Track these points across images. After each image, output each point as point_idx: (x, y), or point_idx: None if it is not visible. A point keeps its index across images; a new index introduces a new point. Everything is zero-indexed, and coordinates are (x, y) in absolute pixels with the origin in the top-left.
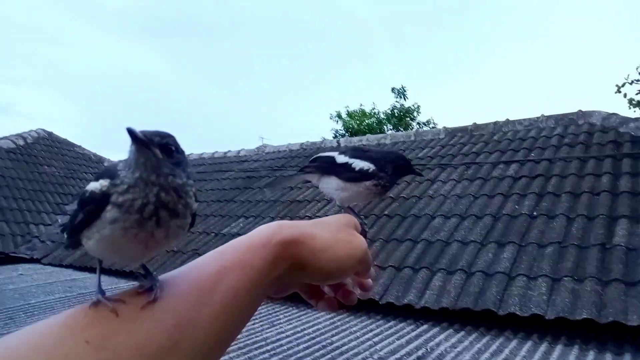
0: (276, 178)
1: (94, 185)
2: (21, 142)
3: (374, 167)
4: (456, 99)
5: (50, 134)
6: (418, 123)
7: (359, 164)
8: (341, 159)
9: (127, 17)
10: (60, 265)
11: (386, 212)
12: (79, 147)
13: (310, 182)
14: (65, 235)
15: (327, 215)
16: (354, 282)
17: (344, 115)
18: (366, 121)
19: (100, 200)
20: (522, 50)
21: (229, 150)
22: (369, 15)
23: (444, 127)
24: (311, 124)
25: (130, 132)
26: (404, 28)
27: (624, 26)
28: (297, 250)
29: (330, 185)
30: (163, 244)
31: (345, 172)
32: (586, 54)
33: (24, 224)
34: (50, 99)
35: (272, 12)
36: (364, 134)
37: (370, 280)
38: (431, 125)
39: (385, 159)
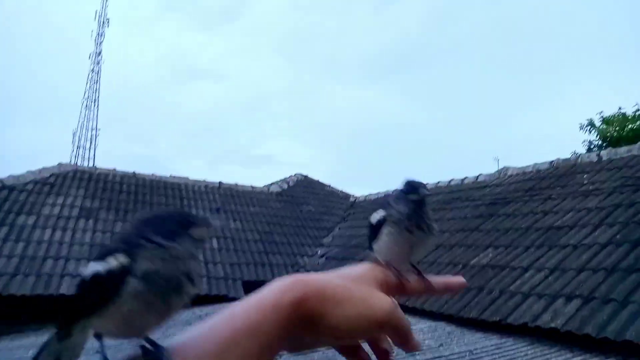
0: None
1: (108, 264)
2: (285, 186)
3: (383, 212)
4: None
5: (305, 177)
6: None
7: (374, 216)
8: (372, 218)
9: (348, 63)
10: None
11: None
12: (329, 186)
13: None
14: (61, 325)
15: (590, 244)
16: (395, 343)
17: (597, 123)
18: (629, 126)
19: (120, 275)
20: None
21: (466, 177)
22: None
23: None
24: (555, 139)
25: None
26: None
27: None
28: (310, 307)
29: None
30: (174, 315)
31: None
32: None
33: (292, 255)
34: (301, 147)
35: (489, 26)
36: (629, 142)
37: (416, 343)
38: None
39: (391, 196)
